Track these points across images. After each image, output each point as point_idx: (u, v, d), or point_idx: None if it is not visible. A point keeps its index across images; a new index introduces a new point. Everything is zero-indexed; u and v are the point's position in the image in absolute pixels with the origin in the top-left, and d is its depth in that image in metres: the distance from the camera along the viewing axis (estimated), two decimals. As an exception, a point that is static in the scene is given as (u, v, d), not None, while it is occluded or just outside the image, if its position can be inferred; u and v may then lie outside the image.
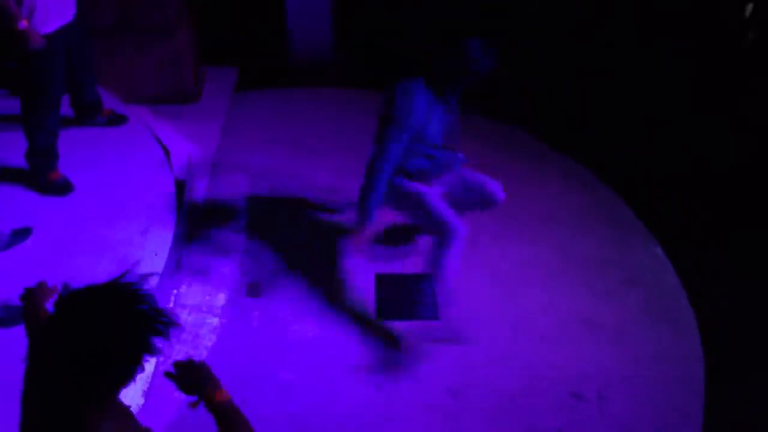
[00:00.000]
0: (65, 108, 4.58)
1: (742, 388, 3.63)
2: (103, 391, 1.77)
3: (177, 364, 2.06)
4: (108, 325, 1.69)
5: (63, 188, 4.35)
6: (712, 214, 4.47)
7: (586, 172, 4.95)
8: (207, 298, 4.06)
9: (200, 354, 3.77)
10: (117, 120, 4.93)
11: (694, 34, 4.92)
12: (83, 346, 1.67)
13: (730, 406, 3.55)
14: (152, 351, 1.77)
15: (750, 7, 4.36)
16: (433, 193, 3.89)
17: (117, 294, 1.74)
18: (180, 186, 4.63)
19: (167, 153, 4.86)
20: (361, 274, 4.20)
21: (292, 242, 4.43)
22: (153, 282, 1.89)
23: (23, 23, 3.80)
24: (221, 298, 4.07)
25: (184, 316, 3.96)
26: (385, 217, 4.53)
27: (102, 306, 1.71)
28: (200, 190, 4.79)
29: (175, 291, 4.07)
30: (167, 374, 2.06)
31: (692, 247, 4.32)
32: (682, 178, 4.75)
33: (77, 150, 4.64)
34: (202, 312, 3.99)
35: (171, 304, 4.00)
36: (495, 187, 3.94)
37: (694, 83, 4.91)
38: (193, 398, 2.03)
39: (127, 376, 1.78)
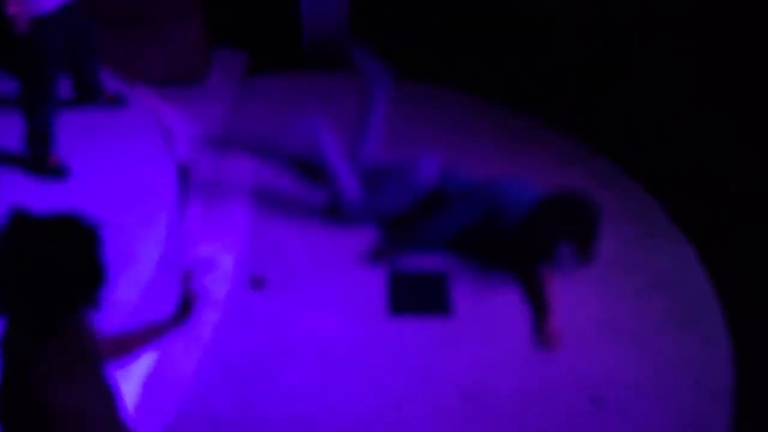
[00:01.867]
0: (66, 90, 4.54)
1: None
2: (44, 310, 1.79)
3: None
4: (58, 257, 1.75)
5: (59, 172, 4.29)
6: (719, 209, 4.35)
7: (614, 167, 4.81)
8: (208, 291, 3.91)
9: (200, 349, 3.66)
10: (118, 102, 4.85)
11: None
12: (25, 264, 1.74)
13: (759, 419, 3.42)
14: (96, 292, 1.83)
15: None
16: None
17: (68, 224, 1.82)
18: (183, 170, 4.57)
19: (171, 136, 4.79)
20: (371, 269, 4.09)
21: (299, 234, 4.31)
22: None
23: (12, 8, 3.80)
24: (223, 292, 3.94)
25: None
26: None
27: (49, 230, 1.79)
28: (204, 175, 4.69)
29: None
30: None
31: (724, 248, 4.17)
32: (715, 176, 4.63)
33: (77, 133, 4.56)
34: (203, 305, 3.85)
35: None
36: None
37: (695, 83, 4.85)
38: None
39: (66, 300, 1.81)
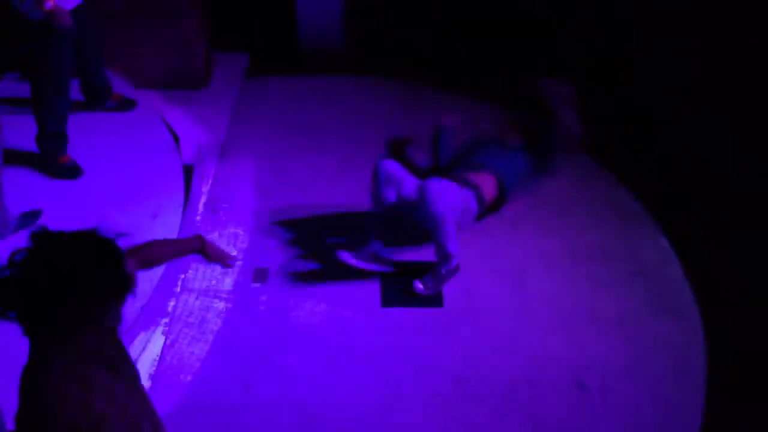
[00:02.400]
0: (75, 92, 4.60)
1: (742, 384, 3.62)
2: (70, 331, 1.80)
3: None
4: (79, 270, 1.76)
5: (72, 172, 4.38)
6: (719, 210, 4.45)
7: (594, 164, 4.93)
8: (214, 282, 4.09)
9: (206, 338, 3.80)
10: (126, 104, 4.94)
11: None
12: (47, 276, 1.74)
13: (730, 401, 3.55)
14: (120, 302, 1.86)
15: None
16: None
17: (88, 240, 1.83)
18: (189, 171, 4.64)
19: (176, 138, 4.88)
20: (367, 263, 4.20)
21: (300, 228, 4.45)
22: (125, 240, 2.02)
23: (49, 3, 3.84)
24: (228, 283, 4.10)
25: (191, 301, 3.99)
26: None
27: (72, 245, 1.79)
28: (209, 175, 4.80)
29: (182, 275, 4.10)
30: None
31: (698, 240, 4.31)
32: (690, 172, 4.72)
33: (87, 134, 4.66)
34: (209, 297, 4.02)
35: (178, 289, 4.03)
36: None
37: (694, 82, 4.90)
38: None
39: (85, 315, 1.82)
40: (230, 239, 4.37)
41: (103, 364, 1.83)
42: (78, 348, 1.81)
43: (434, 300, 4.01)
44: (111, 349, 1.90)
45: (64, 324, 1.79)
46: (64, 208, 4.18)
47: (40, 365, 1.79)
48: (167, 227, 4.15)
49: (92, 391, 1.76)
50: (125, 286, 1.86)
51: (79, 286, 1.76)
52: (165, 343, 3.75)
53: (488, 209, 4.11)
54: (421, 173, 4.16)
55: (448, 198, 3.82)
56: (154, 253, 2.39)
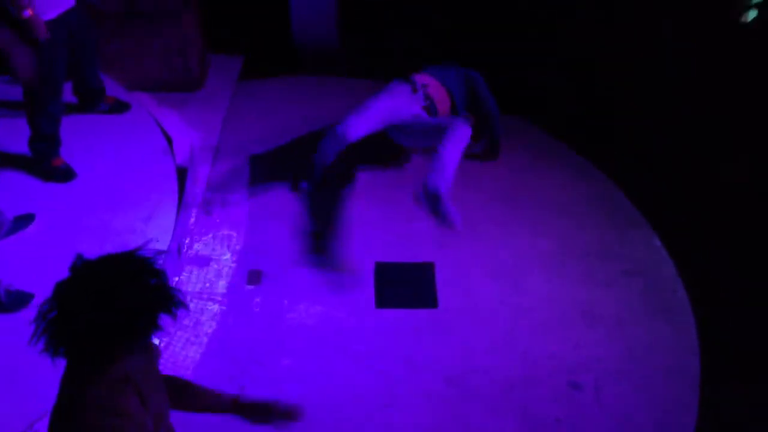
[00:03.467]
0: (68, 95, 4.60)
1: (737, 381, 3.65)
2: (106, 358, 1.81)
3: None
4: (119, 294, 1.77)
5: (66, 175, 4.37)
6: (713, 209, 4.48)
7: (588, 163, 4.95)
8: (208, 285, 4.10)
9: (201, 340, 3.80)
10: (120, 107, 4.93)
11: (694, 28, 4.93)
12: (94, 313, 1.74)
13: (725, 400, 3.57)
14: (158, 325, 1.85)
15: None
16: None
17: (131, 265, 1.82)
18: (182, 173, 4.64)
19: (170, 140, 4.87)
20: (362, 262, 4.23)
21: (294, 230, 4.45)
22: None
23: (28, 12, 3.80)
24: (222, 285, 4.10)
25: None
26: (386, 207, 4.56)
27: (116, 275, 1.79)
28: (202, 178, 4.80)
29: (176, 278, 4.10)
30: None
31: (690, 240, 4.33)
32: (683, 172, 4.75)
33: (80, 137, 4.66)
34: (203, 299, 4.02)
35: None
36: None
37: (694, 80, 4.92)
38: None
39: (132, 346, 1.84)
40: (224, 241, 4.37)
41: (135, 394, 1.84)
42: (112, 376, 1.82)
43: (428, 302, 4.02)
44: (143, 378, 1.90)
45: (102, 350, 1.80)
46: (57, 211, 4.18)
47: (76, 395, 1.80)
48: (161, 229, 4.14)
49: (125, 420, 1.79)
50: (169, 301, 1.86)
51: (120, 309, 1.77)
52: (159, 345, 3.74)
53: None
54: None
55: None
56: (189, 393, 2.27)
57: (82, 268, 1.82)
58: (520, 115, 5.32)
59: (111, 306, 1.76)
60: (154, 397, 1.92)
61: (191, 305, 3.97)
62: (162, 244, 4.03)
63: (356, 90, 5.54)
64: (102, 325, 1.76)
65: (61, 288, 1.80)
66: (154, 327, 1.86)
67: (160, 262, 1.89)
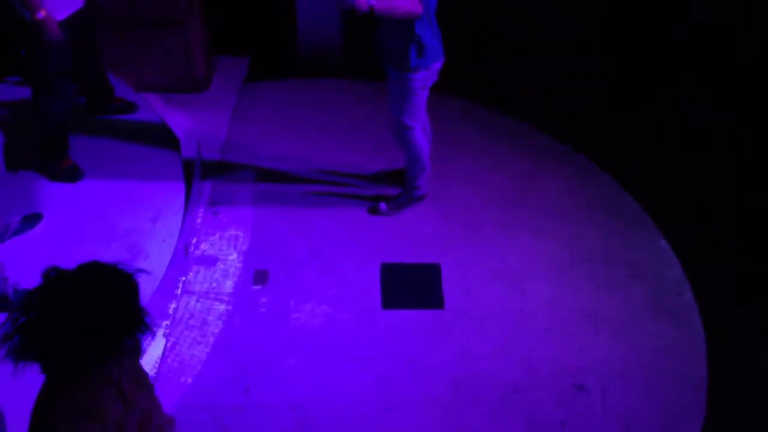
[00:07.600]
0: (78, 95, 4.63)
1: (744, 385, 3.64)
2: (78, 366, 1.80)
3: None
4: (84, 309, 1.76)
5: (73, 175, 4.39)
6: (719, 211, 4.47)
7: (592, 165, 4.94)
8: (215, 285, 4.11)
9: (207, 340, 3.81)
10: (127, 108, 4.95)
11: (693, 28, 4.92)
12: (58, 327, 1.74)
13: (730, 403, 3.56)
14: (132, 336, 1.83)
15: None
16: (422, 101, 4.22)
17: (104, 282, 1.81)
18: (189, 173, 4.64)
19: (177, 141, 4.88)
20: (367, 263, 4.24)
21: (300, 230, 4.46)
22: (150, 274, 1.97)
23: (41, 13, 3.82)
24: (229, 285, 4.11)
25: (192, 303, 4.01)
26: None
27: (86, 290, 1.78)
28: (209, 178, 4.82)
29: (183, 278, 4.12)
30: None
31: (697, 242, 4.32)
32: (689, 174, 4.74)
33: (88, 137, 4.68)
34: (210, 299, 4.03)
35: (179, 291, 4.04)
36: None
37: (696, 79, 4.91)
38: None
39: (103, 354, 1.82)
40: (231, 241, 4.39)
41: (118, 397, 1.84)
42: (90, 380, 1.81)
43: (434, 302, 4.03)
44: (127, 381, 1.89)
45: (78, 357, 1.78)
46: (64, 211, 4.20)
47: (49, 400, 1.80)
48: (168, 229, 4.16)
49: (98, 424, 1.78)
50: (140, 322, 1.84)
51: (94, 322, 1.76)
52: (166, 345, 3.77)
53: None
54: None
55: None
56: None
57: (54, 278, 1.80)
58: (524, 117, 5.32)
59: (75, 321, 1.74)
60: (140, 396, 1.91)
61: (198, 305, 3.99)
62: (168, 246, 4.04)
63: (361, 93, 5.56)
64: (66, 338, 1.74)
65: (31, 297, 1.78)
66: (125, 339, 1.84)
67: (138, 281, 1.86)
